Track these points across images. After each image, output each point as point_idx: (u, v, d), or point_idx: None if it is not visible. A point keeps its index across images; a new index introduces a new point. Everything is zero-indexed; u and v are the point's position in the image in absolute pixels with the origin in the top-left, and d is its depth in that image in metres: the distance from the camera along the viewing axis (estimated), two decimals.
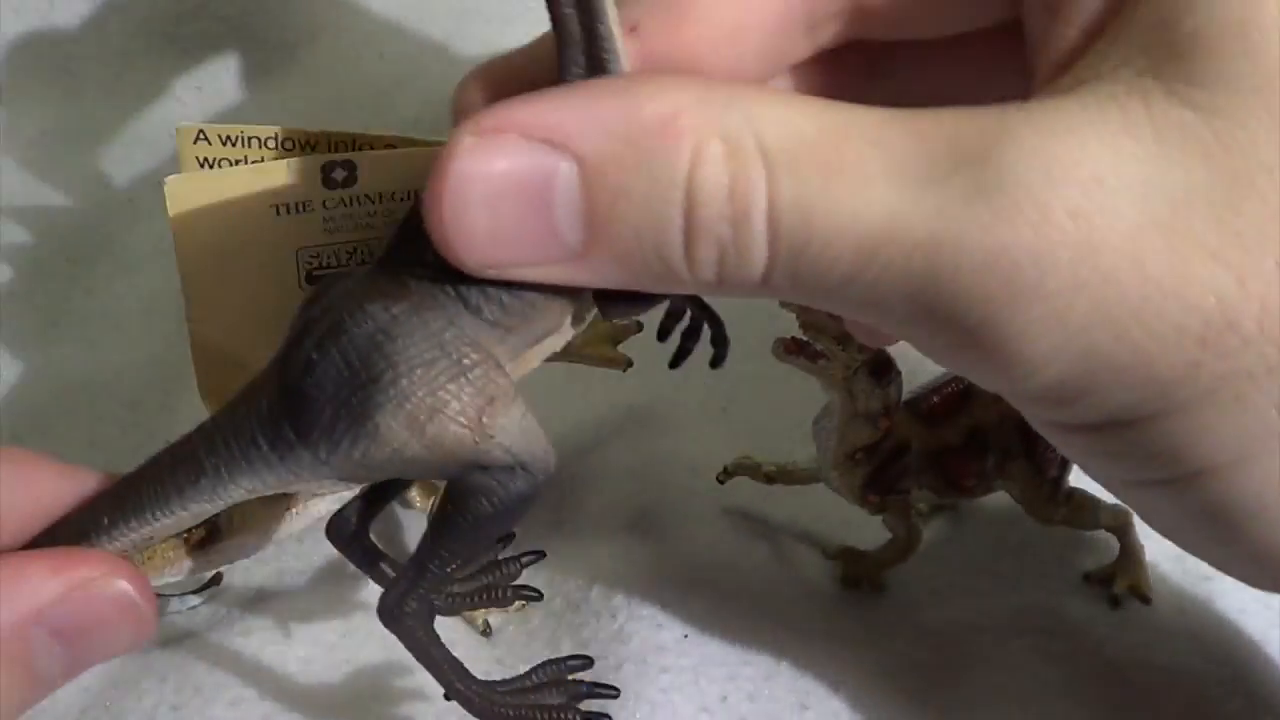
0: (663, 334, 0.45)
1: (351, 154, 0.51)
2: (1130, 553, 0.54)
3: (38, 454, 0.39)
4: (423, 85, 0.78)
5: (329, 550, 0.55)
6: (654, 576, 0.53)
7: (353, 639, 0.53)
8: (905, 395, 0.52)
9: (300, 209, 0.51)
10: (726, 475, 0.55)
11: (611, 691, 0.42)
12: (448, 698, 0.41)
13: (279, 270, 0.53)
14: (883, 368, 0.49)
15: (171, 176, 0.49)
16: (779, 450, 0.56)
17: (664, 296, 0.38)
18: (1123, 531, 0.53)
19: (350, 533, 0.44)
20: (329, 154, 0.51)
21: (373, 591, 0.54)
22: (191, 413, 0.60)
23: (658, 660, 0.49)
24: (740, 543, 0.54)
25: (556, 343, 0.40)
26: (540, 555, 0.47)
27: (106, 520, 0.38)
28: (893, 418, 0.51)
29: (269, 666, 0.51)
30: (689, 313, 0.44)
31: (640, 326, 0.56)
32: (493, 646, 0.52)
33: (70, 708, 0.51)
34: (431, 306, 0.37)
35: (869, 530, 0.55)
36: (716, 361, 0.45)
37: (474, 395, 0.37)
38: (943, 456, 0.52)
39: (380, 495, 0.44)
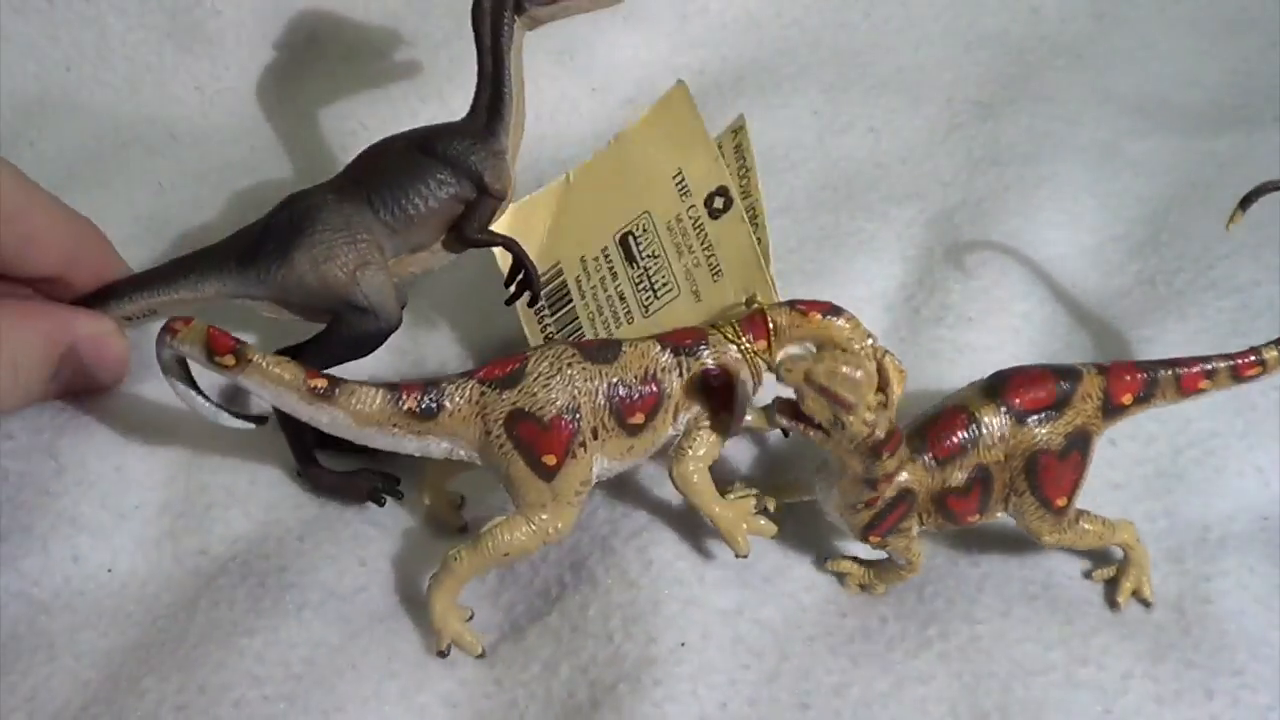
0: (507, 284, 0.61)
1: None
2: (1135, 559, 0.53)
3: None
4: (423, 85, 0.78)
5: (334, 554, 0.56)
6: (651, 587, 0.53)
7: (356, 643, 0.53)
8: (907, 429, 0.51)
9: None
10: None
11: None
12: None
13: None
14: (885, 444, 0.48)
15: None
16: (782, 461, 0.56)
17: None
18: (1128, 542, 0.53)
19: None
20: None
21: (375, 597, 0.54)
22: None
23: (650, 674, 0.50)
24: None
25: (428, 260, 0.60)
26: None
27: (129, 289, 0.60)
28: (892, 480, 0.49)
29: (273, 668, 0.52)
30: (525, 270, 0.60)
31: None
32: (490, 667, 0.52)
33: (70, 703, 0.52)
34: (352, 200, 0.58)
35: None
36: (533, 301, 0.60)
37: (355, 258, 0.57)
38: (946, 496, 0.51)
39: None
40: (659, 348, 0.53)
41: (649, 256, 0.60)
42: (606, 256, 0.61)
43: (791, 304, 0.54)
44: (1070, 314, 0.65)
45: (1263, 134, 0.74)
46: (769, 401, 0.51)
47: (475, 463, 0.52)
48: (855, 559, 0.54)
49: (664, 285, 0.59)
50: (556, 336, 0.61)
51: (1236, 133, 0.75)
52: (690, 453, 0.52)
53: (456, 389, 0.51)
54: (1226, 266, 0.66)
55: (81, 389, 0.60)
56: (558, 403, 0.51)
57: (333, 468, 0.59)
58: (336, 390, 0.51)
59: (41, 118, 0.77)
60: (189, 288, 0.59)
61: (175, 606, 0.55)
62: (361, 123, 0.77)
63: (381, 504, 0.58)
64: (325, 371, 0.51)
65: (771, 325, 0.53)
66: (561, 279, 0.62)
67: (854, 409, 0.46)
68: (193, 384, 0.52)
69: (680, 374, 0.52)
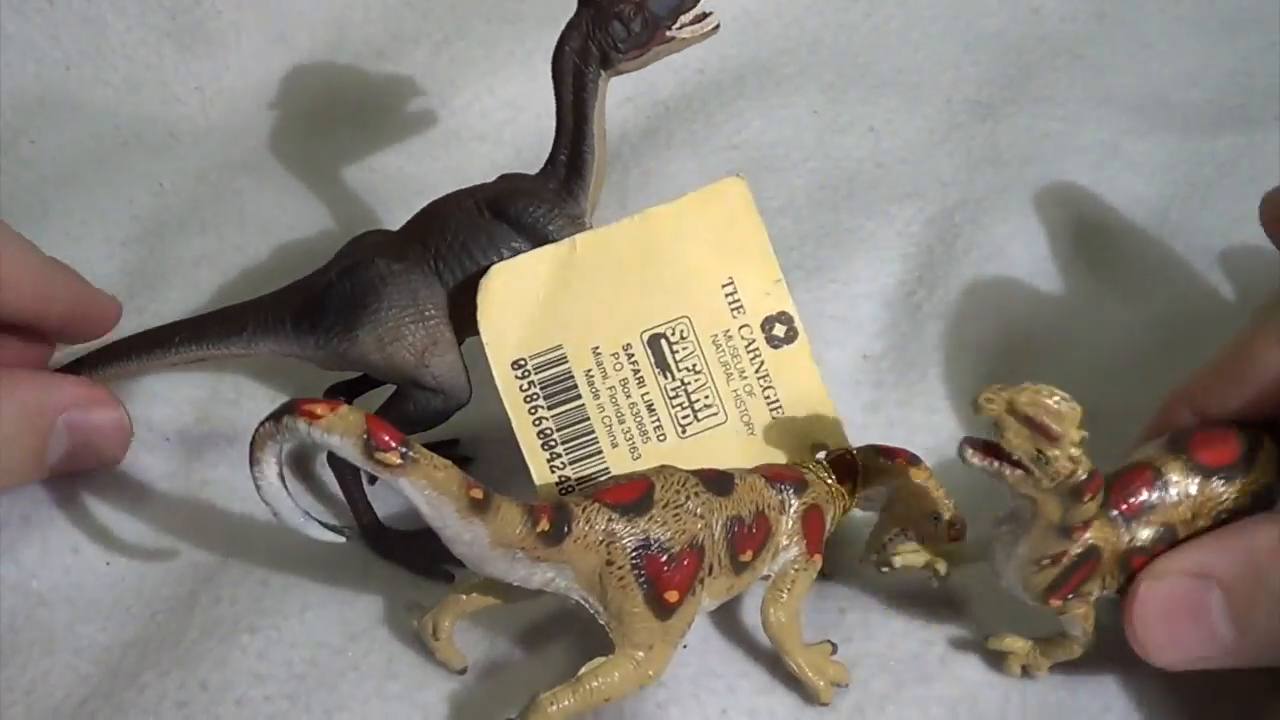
0: None
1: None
2: None
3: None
4: (424, 85, 0.78)
5: (336, 555, 0.55)
6: None
7: (358, 644, 0.53)
8: None
9: None
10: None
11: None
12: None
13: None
14: (1088, 484, 0.44)
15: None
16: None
17: None
18: None
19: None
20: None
21: (378, 600, 0.54)
22: None
23: None
24: None
25: None
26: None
27: (178, 339, 0.57)
28: (1089, 528, 0.47)
29: (274, 667, 0.52)
30: None
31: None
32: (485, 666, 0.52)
33: (69, 698, 0.52)
34: (418, 271, 0.55)
35: None
36: None
37: (424, 337, 0.54)
38: (1131, 557, 0.48)
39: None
40: (764, 483, 0.50)
41: (687, 369, 0.54)
42: (630, 356, 0.54)
43: (876, 449, 0.53)
44: (1071, 311, 0.65)
45: (1263, 134, 0.74)
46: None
47: (565, 597, 0.48)
48: (1020, 637, 0.51)
49: (706, 407, 0.54)
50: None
51: (1236, 133, 0.75)
52: (785, 597, 0.50)
53: (582, 511, 0.46)
54: None
55: (87, 465, 0.56)
56: (686, 534, 0.47)
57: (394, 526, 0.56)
58: (490, 501, 0.44)
59: (42, 116, 0.77)
60: (242, 344, 0.57)
61: (175, 601, 0.55)
62: (363, 122, 0.77)
63: (450, 580, 0.55)
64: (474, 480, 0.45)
65: (862, 468, 0.52)
66: (565, 367, 0.54)
67: (1060, 441, 0.43)
68: (284, 481, 0.46)
69: (782, 513, 0.50)
